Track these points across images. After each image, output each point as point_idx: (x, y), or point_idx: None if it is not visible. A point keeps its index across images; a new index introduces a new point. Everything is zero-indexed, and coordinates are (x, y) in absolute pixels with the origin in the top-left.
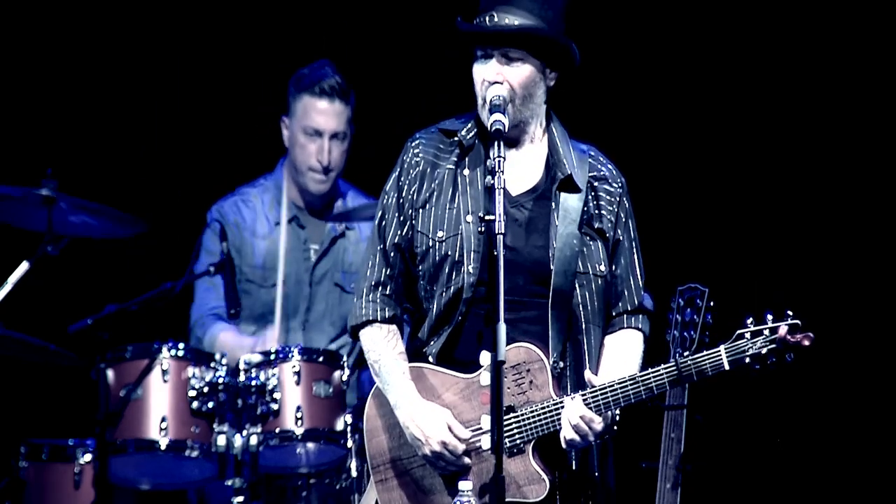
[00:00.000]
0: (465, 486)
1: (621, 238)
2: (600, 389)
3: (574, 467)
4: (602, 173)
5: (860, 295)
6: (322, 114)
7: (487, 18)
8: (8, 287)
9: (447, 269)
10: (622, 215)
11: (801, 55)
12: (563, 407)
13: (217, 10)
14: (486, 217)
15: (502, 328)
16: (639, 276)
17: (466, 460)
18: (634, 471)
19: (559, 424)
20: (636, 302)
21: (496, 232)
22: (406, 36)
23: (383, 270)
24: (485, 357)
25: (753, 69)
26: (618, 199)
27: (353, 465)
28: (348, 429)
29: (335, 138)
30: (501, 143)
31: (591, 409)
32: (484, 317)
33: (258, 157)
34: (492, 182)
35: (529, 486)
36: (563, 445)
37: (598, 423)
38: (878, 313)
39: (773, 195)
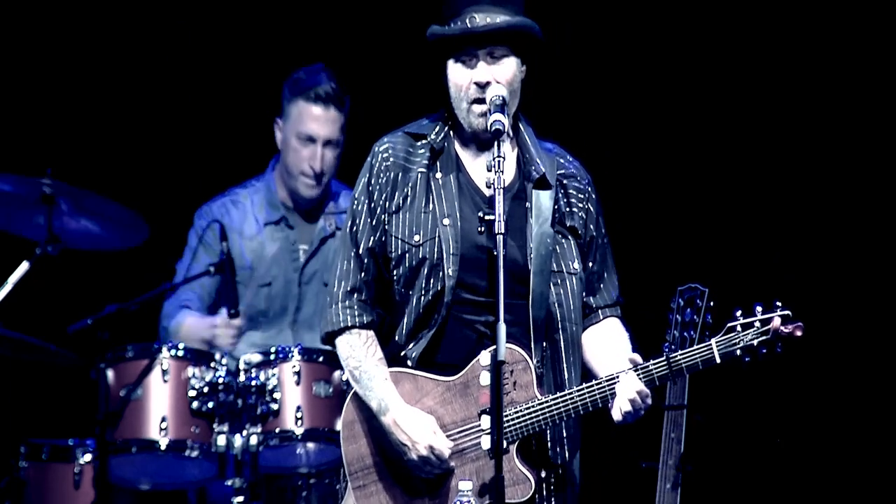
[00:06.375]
0: (465, 486)
1: (594, 234)
2: (652, 364)
3: (559, 464)
4: (570, 171)
5: (861, 294)
6: (316, 120)
7: (468, 20)
8: (8, 287)
9: (425, 273)
10: (592, 211)
11: (801, 56)
12: (544, 405)
13: (214, 11)
14: (486, 217)
15: (502, 328)
16: (613, 271)
17: (452, 464)
18: (634, 471)
19: (548, 423)
20: (614, 296)
21: (496, 232)
22: (400, 37)
23: (358, 275)
24: (485, 357)
25: (755, 70)
26: (586, 195)
27: None
28: None
29: (328, 145)
30: (501, 144)
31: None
32: (467, 319)
33: (255, 157)
34: (492, 182)
35: (515, 486)
36: (618, 418)
37: (649, 398)
38: (879, 312)
39: (773, 195)
